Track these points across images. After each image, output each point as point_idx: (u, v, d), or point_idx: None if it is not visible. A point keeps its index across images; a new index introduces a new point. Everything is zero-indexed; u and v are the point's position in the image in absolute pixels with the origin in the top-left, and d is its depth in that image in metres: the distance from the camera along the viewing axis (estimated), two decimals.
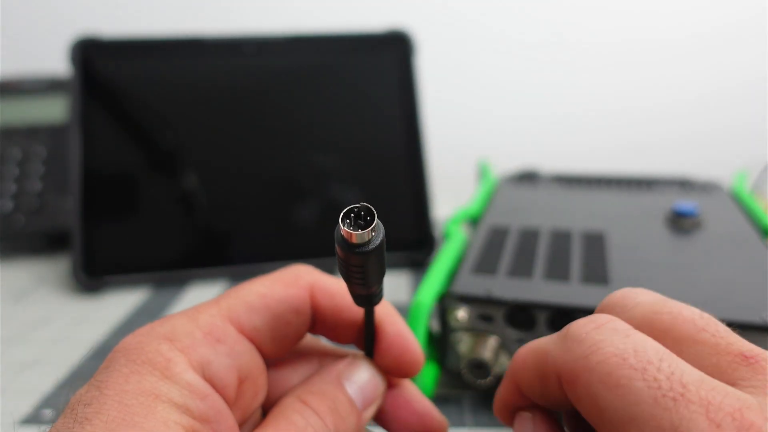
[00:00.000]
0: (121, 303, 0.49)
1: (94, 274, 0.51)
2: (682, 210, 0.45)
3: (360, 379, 0.23)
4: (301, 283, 0.23)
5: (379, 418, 0.25)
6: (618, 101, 0.85)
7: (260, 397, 0.22)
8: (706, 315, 0.18)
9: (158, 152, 0.54)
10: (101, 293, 0.51)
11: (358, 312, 0.23)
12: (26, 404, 0.36)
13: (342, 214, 0.17)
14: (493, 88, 0.85)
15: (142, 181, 0.53)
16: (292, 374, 0.24)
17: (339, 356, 0.24)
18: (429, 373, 0.34)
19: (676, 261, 0.38)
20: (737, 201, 0.51)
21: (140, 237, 0.52)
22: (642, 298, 0.20)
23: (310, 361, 0.24)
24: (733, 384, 0.15)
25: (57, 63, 0.61)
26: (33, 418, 0.34)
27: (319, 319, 0.23)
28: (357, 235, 0.17)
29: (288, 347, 0.23)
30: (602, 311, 0.20)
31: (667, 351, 0.16)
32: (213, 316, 0.20)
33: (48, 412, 0.35)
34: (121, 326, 0.45)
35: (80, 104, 0.52)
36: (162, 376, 0.18)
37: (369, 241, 0.17)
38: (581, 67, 0.84)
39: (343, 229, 0.17)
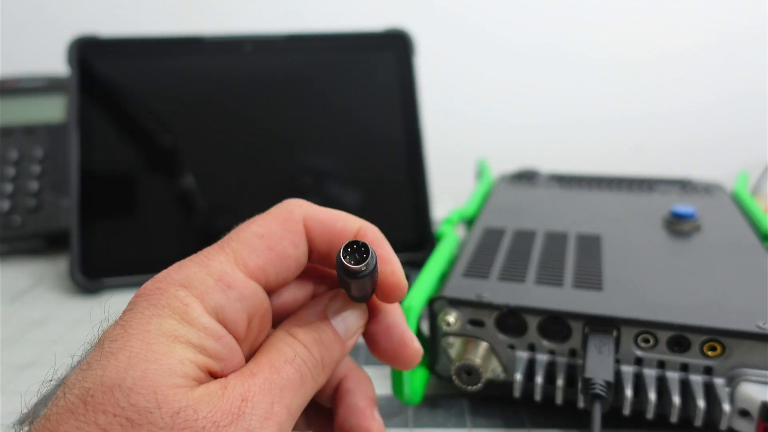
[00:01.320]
0: (119, 304, 0.49)
1: (92, 276, 0.51)
2: (680, 212, 0.44)
3: (343, 311, 0.25)
4: (296, 217, 0.24)
5: (365, 340, 0.27)
6: (620, 104, 0.84)
7: (266, 331, 0.24)
8: None
9: (157, 152, 0.54)
10: (99, 294, 0.51)
11: (348, 239, 0.25)
12: (25, 405, 0.36)
13: (341, 249, 0.22)
14: (494, 89, 0.84)
15: (140, 181, 0.53)
16: (291, 298, 0.26)
17: (331, 279, 0.27)
18: (418, 377, 0.34)
19: (672, 265, 0.38)
20: (738, 202, 0.50)
21: (138, 238, 0.52)
22: None
23: (306, 284, 0.26)
24: None
25: (55, 62, 0.61)
26: (31, 419, 0.34)
27: (314, 249, 0.25)
28: (355, 268, 0.21)
29: (290, 278, 0.25)
30: None
31: None
32: (222, 263, 0.22)
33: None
34: None
35: (78, 104, 0.52)
36: (181, 320, 0.20)
37: (363, 270, 0.22)
38: (584, 69, 0.83)
39: (348, 265, 0.21)
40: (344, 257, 0.22)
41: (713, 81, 0.82)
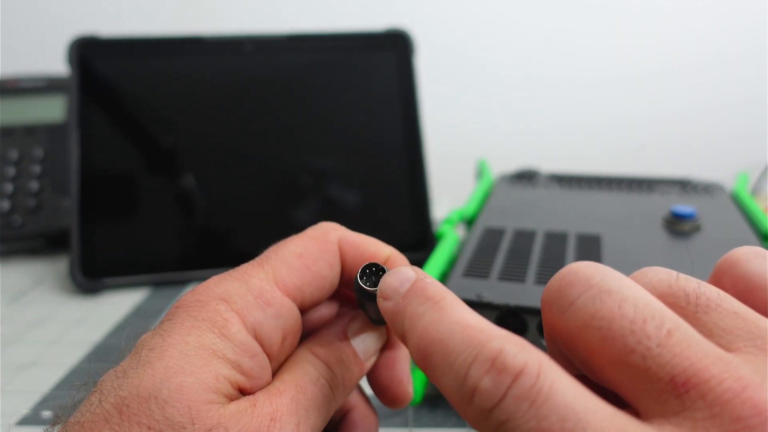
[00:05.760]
0: (119, 304, 0.49)
1: (92, 276, 0.51)
2: (680, 212, 0.44)
3: (362, 332, 0.25)
4: (331, 238, 0.25)
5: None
6: (620, 104, 0.84)
7: (293, 348, 0.24)
8: (642, 320, 0.15)
9: (157, 152, 0.54)
10: (100, 294, 0.51)
11: (380, 261, 0.25)
12: (25, 405, 0.36)
13: (359, 271, 0.22)
14: (494, 89, 0.84)
15: (140, 181, 0.53)
16: (317, 318, 0.26)
17: (355, 302, 0.27)
18: (418, 377, 0.34)
19: (671, 265, 0.37)
20: (738, 203, 0.50)
21: (139, 238, 0.52)
22: (580, 300, 0.17)
23: (332, 305, 0.27)
24: (663, 419, 0.14)
25: (55, 62, 0.61)
26: (32, 419, 0.35)
27: (345, 271, 0.25)
28: (371, 290, 0.22)
29: (323, 299, 0.25)
30: (544, 302, 0.19)
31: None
32: (262, 280, 0.22)
33: (47, 413, 0.35)
34: (120, 327, 0.45)
35: (78, 104, 0.52)
36: (220, 334, 0.20)
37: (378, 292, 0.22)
38: (584, 69, 0.83)
39: (363, 287, 0.22)
40: (361, 279, 0.22)
41: (713, 81, 0.82)
